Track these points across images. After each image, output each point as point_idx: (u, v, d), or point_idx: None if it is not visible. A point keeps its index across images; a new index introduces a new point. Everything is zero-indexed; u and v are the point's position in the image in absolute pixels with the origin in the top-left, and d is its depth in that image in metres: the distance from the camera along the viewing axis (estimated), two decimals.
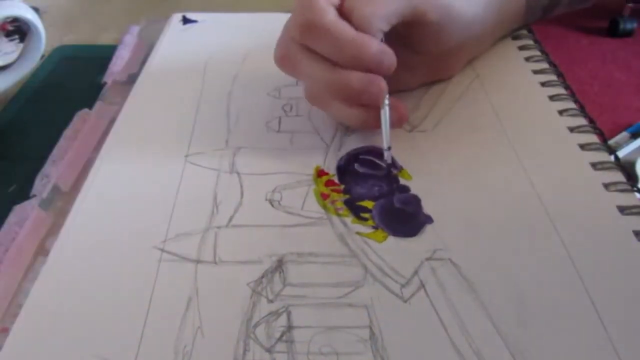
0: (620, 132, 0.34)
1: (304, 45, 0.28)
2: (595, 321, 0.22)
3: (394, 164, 0.29)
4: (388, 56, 0.27)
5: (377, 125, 0.29)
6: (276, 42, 0.30)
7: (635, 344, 0.21)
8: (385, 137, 0.28)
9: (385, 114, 0.28)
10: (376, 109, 0.28)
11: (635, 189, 0.27)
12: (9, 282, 0.25)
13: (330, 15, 0.27)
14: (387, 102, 0.28)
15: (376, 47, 0.27)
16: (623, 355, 0.21)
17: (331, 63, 0.27)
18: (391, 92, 0.28)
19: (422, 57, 0.32)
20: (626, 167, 0.29)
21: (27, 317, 0.23)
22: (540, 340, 0.21)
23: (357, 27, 0.27)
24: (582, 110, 0.32)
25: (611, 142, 0.33)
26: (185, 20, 0.44)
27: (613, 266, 0.24)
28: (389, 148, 0.29)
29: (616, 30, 0.42)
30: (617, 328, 0.21)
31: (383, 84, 0.27)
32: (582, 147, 0.30)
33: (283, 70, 0.30)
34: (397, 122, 0.30)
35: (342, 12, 0.27)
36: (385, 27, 0.27)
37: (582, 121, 0.31)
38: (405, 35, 0.30)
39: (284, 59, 0.30)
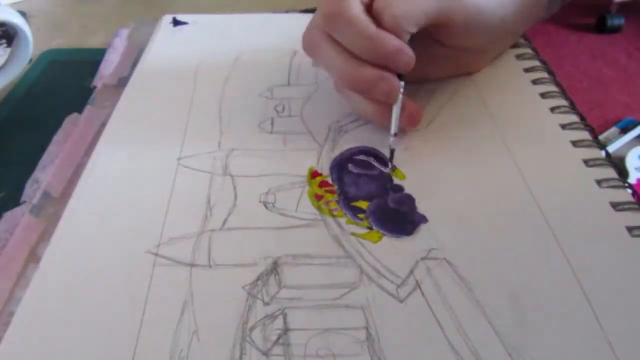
0: (609, 127, 0.35)
1: (327, 34, 0.29)
2: (590, 317, 0.22)
3: (390, 159, 0.29)
4: (405, 55, 0.28)
5: (389, 122, 0.29)
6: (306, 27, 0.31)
7: (630, 339, 0.21)
8: (394, 122, 0.29)
9: (398, 103, 0.29)
10: (389, 106, 0.29)
11: (626, 185, 0.27)
12: (0, 290, 0.24)
13: (355, 8, 0.27)
14: (400, 94, 0.29)
15: (394, 44, 0.27)
16: (618, 350, 0.21)
17: (350, 55, 0.28)
18: (415, 82, 0.29)
19: (448, 50, 0.32)
20: (617, 163, 0.29)
21: (19, 325, 0.23)
22: (537, 338, 0.21)
23: (386, 27, 0.27)
24: (573, 107, 0.32)
25: (601, 137, 0.33)
26: (176, 22, 0.43)
27: (607, 262, 0.24)
28: (395, 134, 0.29)
29: (604, 27, 0.43)
30: (612, 323, 0.22)
31: (395, 81, 0.28)
32: (574, 144, 0.30)
33: (308, 54, 0.31)
34: (409, 121, 0.30)
35: (372, 11, 0.28)
36: (413, 29, 0.28)
37: (573, 118, 0.31)
38: (433, 30, 0.30)
39: (309, 44, 0.30)
